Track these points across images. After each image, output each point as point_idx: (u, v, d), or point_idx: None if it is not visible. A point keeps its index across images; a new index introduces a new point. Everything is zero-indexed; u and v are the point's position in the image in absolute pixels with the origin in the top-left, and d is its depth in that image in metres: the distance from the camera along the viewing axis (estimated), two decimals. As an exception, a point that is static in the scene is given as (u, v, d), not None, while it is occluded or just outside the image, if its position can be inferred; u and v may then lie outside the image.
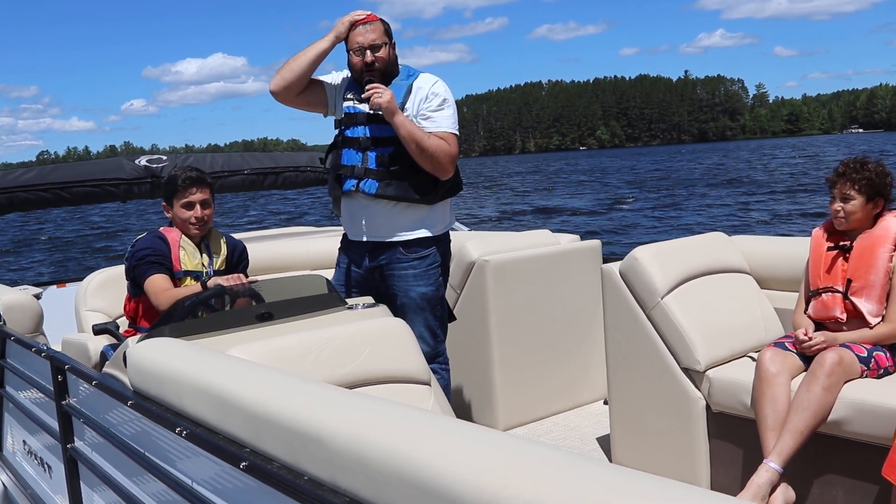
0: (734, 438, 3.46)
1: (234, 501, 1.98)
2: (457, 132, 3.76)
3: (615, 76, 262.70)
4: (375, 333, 2.85)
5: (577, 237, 5.12)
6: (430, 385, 2.88)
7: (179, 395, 2.24)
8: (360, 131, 3.74)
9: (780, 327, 3.78)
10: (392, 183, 3.68)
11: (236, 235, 6.71)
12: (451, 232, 5.90)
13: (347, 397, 1.80)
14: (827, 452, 3.14)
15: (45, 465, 3.93)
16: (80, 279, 4.97)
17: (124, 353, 2.70)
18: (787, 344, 3.36)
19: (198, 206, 3.78)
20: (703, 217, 25.43)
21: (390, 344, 2.84)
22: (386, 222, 3.75)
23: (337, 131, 3.85)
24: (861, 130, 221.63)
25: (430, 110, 3.70)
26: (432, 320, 3.82)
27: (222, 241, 3.96)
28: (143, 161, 5.96)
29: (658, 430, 3.70)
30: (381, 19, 3.75)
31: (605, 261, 4.58)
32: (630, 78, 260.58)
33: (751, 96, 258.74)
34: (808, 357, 3.28)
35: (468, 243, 4.60)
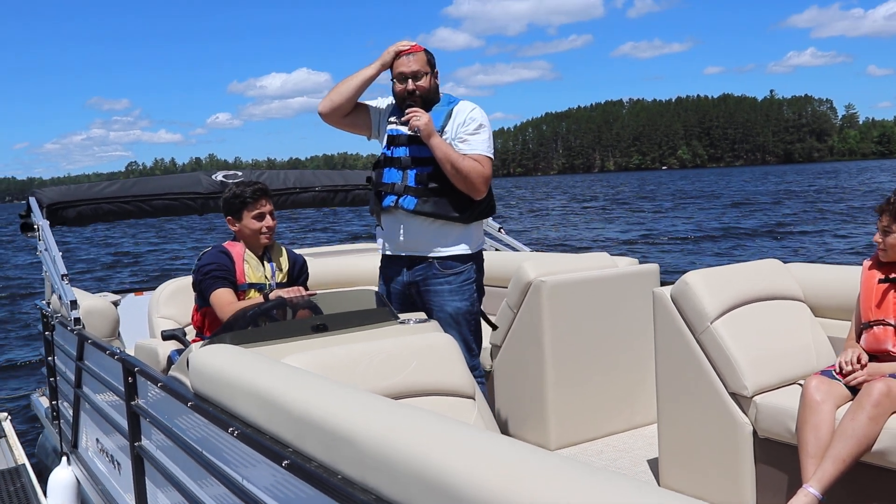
0: (780, 465, 3.46)
1: (278, 498, 2.13)
2: (491, 155, 3.98)
3: (698, 95, 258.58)
4: (423, 347, 2.96)
5: (636, 260, 5.16)
6: (474, 399, 2.99)
7: (233, 398, 2.40)
8: (402, 151, 3.98)
9: (833, 356, 3.75)
10: (430, 200, 3.91)
11: (304, 251, 6.98)
12: (510, 252, 6.05)
13: (379, 402, 1.93)
14: (870, 482, 3.12)
15: (115, 463, 4.16)
16: (156, 288, 5.25)
17: (188, 357, 2.89)
18: (834, 372, 3.36)
19: (268, 217, 3.98)
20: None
21: (437, 358, 2.95)
22: (423, 238, 3.96)
23: (382, 152, 4.07)
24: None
25: (467, 134, 3.94)
26: (468, 334, 4.00)
27: (284, 255, 4.13)
28: (219, 176, 6.26)
29: (705, 454, 3.72)
30: (424, 49, 4.00)
31: (664, 285, 4.61)
32: (713, 97, 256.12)
33: (840, 117, 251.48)
34: (855, 387, 3.27)
35: (525, 264, 4.69)
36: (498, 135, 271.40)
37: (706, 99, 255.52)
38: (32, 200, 5.82)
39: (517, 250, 6.26)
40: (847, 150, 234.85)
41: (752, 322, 3.71)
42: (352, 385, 2.39)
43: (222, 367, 2.58)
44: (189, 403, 2.69)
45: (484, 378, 4.16)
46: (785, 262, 4.16)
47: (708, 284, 3.71)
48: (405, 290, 4.05)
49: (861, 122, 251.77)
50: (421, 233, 3.97)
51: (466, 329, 4.02)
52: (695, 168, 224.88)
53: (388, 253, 4.13)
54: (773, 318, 3.78)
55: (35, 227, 5.62)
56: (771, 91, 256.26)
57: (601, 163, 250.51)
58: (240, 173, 6.35)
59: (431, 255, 3.98)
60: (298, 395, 2.10)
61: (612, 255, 5.15)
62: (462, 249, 4.01)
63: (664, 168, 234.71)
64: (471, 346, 4.02)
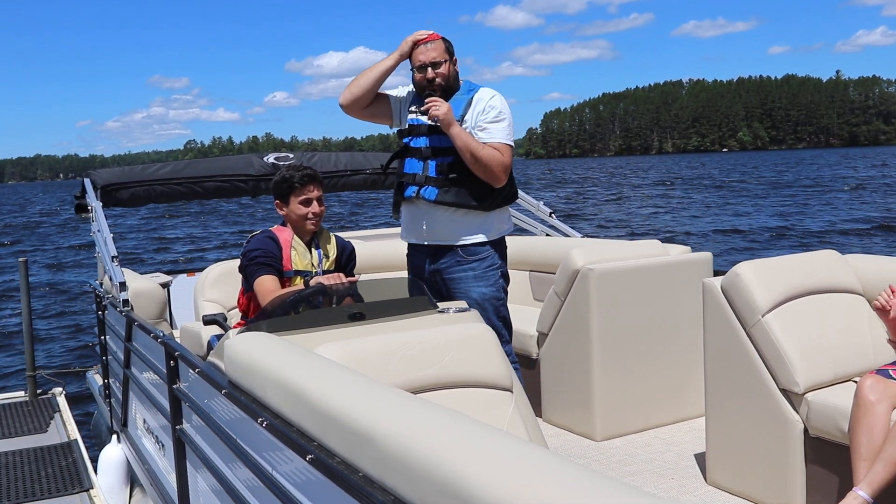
0: (832, 465, 3.33)
1: (304, 491, 2.10)
2: (511, 143, 3.97)
3: (760, 76, 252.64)
4: (460, 338, 2.89)
5: (689, 248, 5.03)
6: (511, 391, 2.92)
7: (263, 387, 2.38)
8: (422, 142, 4.00)
9: (893, 353, 3.60)
10: (451, 190, 3.93)
11: (355, 233, 6.97)
12: (561, 238, 5.97)
13: (403, 400, 1.87)
14: (927, 487, 2.99)
15: (160, 444, 4.20)
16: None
17: (224, 343, 2.87)
18: (890, 372, 3.21)
19: (315, 203, 3.95)
20: None
21: (474, 349, 2.88)
22: (445, 227, 3.99)
23: (402, 141, 4.09)
24: None
25: (487, 122, 3.93)
26: (495, 321, 3.98)
27: (333, 242, 4.11)
28: (270, 158, 6.28)
29: (754, 451, 3.61)
30: (442, 38, 3.99)
31: (717, 274, 4.48)
32: (776, 78, 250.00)
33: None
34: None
35: (574, 251, 4.60)
36: (554, 115, 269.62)
37: (769, 79, 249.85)
38: (87, 182, 5.92)
39: (568, 236, 6.16)
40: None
41: (806, 316, 3.57)
42: (380, 378, 2.34)
43: (254, 355, 2.55)
44: (223, 391, 2.68)
45: (517, 364, 4.11)
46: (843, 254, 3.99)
47: (759, 276, 3.58)
48: (430, 277, 4.08)
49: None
50: (443, 222, 4.00)
51: (493, 315, 4.02)
52: (755, 150, 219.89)
53: (412, 242, 4.18)
54: (828, 312, 3.63)
55: (89, 208, 5.70)
56: (837, 72, 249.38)
57: (659, 144, 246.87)
58: (291, 155, 6.36)
59: (453, 242, 4.01)
60: (323, 389, 2.06)
61: (662, 242, 5.03)
62: (482, 237, 4.03)
63: (724, 150, 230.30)
64: (500, 333, 3.99)
